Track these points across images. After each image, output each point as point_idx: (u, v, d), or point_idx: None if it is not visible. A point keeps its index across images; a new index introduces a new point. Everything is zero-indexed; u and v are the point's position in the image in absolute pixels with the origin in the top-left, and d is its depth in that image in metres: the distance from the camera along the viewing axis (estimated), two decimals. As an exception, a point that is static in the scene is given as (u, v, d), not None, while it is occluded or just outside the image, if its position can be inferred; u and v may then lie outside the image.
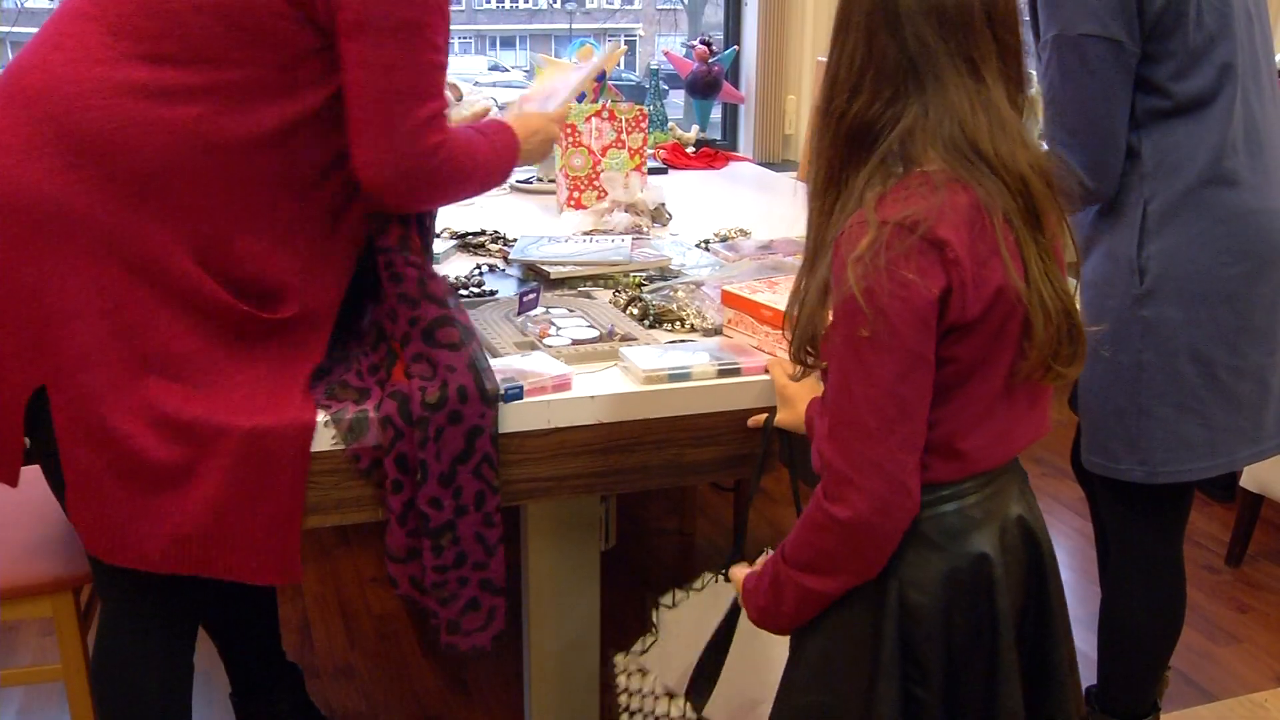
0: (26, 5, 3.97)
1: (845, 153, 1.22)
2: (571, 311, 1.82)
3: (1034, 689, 1.30)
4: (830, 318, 1.19)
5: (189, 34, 1.41)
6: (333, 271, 1.59)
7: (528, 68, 4.27)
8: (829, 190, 1.24)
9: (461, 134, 1.57)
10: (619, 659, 1.63)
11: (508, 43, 14.18)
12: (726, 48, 3.77)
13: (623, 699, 1.60)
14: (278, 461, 1.43)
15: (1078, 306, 1.23)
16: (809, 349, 1.25)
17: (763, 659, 1.52)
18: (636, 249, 2.11)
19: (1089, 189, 1.73)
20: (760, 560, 1.36)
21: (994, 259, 1.15)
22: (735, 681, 1.52)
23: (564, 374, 1.54)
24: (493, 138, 1.64)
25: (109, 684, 1.62)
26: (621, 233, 2.30)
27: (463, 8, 12.16)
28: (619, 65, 3.19)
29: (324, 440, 1.45)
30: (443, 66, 1.50)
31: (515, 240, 2.26)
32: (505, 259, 2.18)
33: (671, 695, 1.49)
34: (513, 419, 1.50)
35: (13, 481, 1.49)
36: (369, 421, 1.46)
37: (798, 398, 1.46)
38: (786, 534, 1.27)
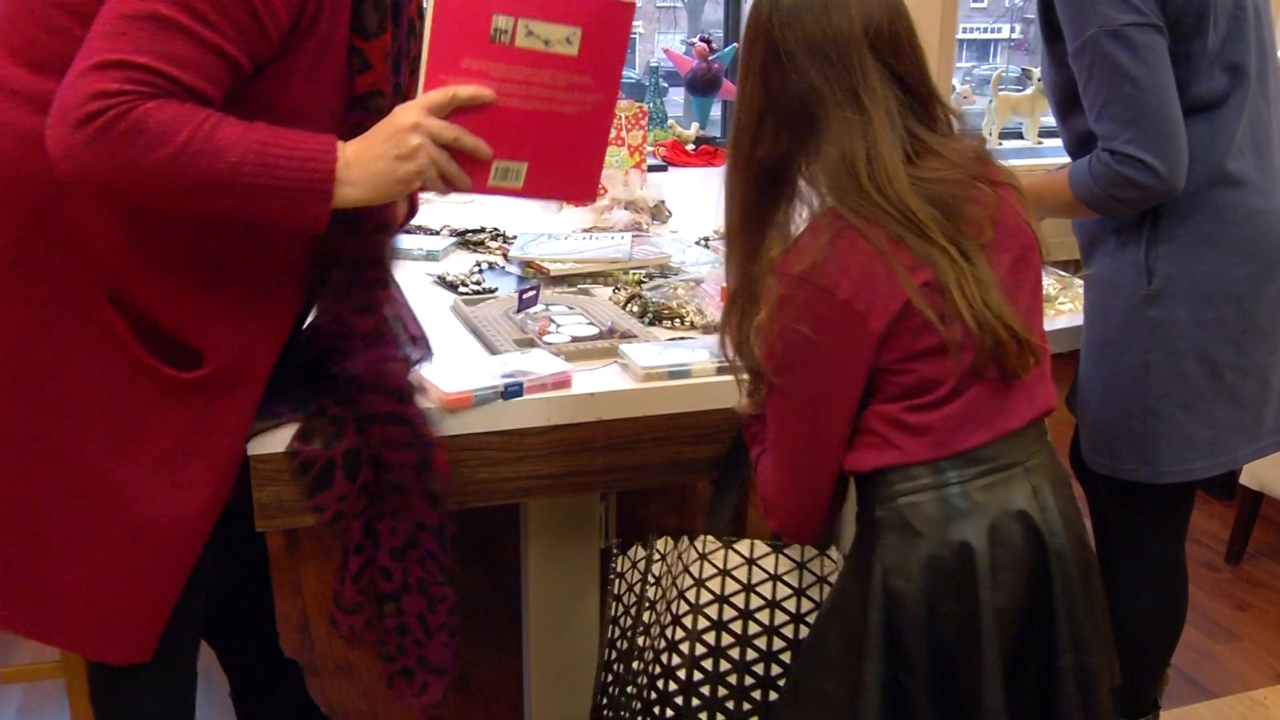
0: None
1: (757, 195, 1.29)
2: (571, 309, 1.82)
3: (1040, 694, 1.29)
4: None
5: (67, 40, 1.20)
6: (268, 322, 1.40)
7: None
8: (745, 232, 1.31)
9: (178, 106, 1.18)
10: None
11: (507, 40, 14.15)
12: (726, 45, 3.77)
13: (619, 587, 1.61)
14: (152, 561, 1.35)
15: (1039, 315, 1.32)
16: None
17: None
18: (636, 246, 2.11)
19: (1163, 181, 1.64)
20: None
21: (888, 281, 1.20)
22: None
23: (563, 371, 1.54)
24: (266, 136, 1.21)
25: (107, 697, 1.58)
26: (621, 230, 2.30)
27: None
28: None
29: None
30: (145, 15, 1.16)
31: (515, 238, 2.25)
32: (505, 256, 2.18)
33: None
34: (513, 416, 1.50)
35: None
36: (335, 476, 1.43)
37: None
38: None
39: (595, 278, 2.01)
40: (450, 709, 2.33)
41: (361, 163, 1.24)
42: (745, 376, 1.36)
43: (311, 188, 1.22)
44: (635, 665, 1.51)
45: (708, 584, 1.44)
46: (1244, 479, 2.82)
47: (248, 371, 1.38)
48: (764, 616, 1.43)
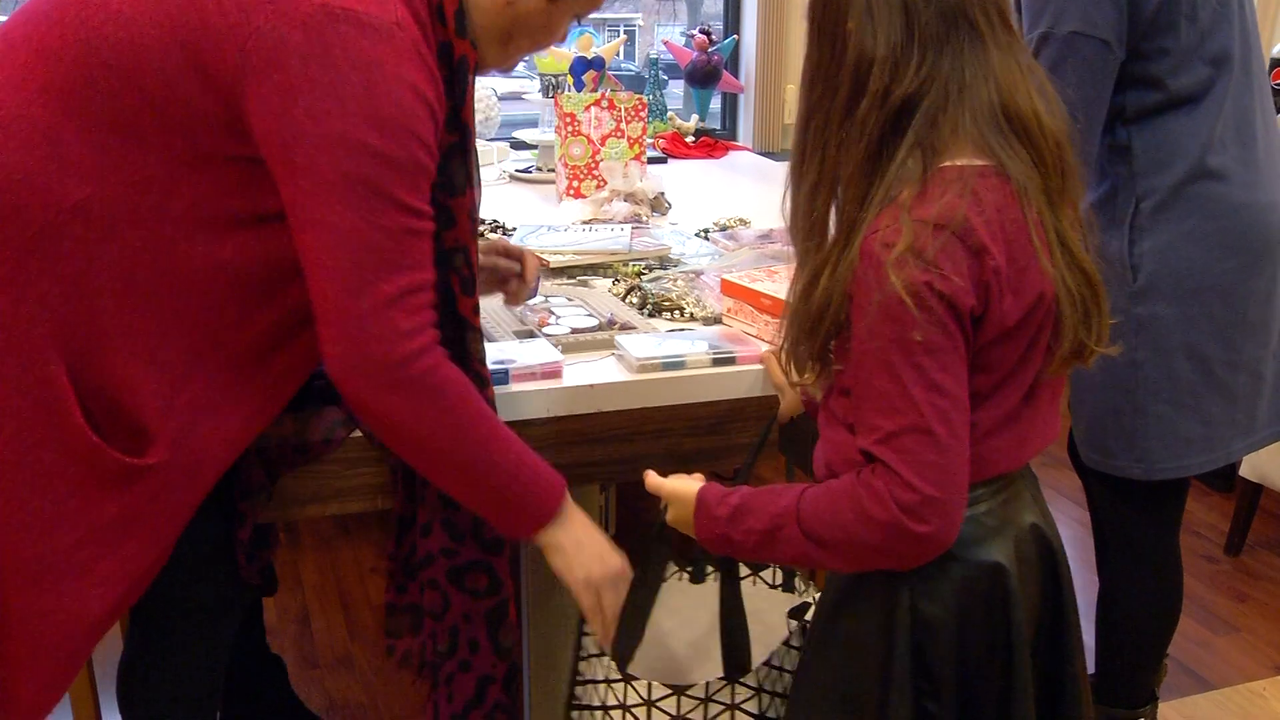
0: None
1: (883, 136, 1.12)
2: (571, 300, 1.82)
3: (1048, 702, 1.26)
4: (854, 317, 1.11)
5: (97, 94, 1.18)
6: (238, 417, 1.31)
7: (527, 59, 4.25)
8: (862, 178, 1.13)
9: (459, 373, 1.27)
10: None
11: (507, 33, 14.14)
12: (726, 37, 3.76)
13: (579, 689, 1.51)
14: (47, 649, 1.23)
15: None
16: (823, 350, 1.17)
17: (691, 619, 1.49)
18: (636, 238, 2.11)
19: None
20: (726, 489, 1.24)
21: (1031, 264, 1.10)
22: (664, 642, 1.49)
23: (554, 361, 1.54)
24: (504, 435, 1.30)
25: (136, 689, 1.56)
26: (621, 222, 2.30)
27: None
28: (618, 55, 3.18)
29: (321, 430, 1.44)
30: (424, 231, 1.23)
31: (515, 229, 2.25)
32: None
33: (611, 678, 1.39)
34: (511, 408, 1.50)
35: None
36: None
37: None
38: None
39: (595, 269, 2.01)
40: (450, 700, 2.34)
41: (576, 540, 1.38)
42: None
43: (529, 520, 1.35)
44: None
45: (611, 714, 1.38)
46: (1243, 471, 2.83)
47: (195, 472, 1.29)
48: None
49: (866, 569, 1.17)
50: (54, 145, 1.17)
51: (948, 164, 1.10)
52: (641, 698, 1.34)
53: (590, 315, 1.74)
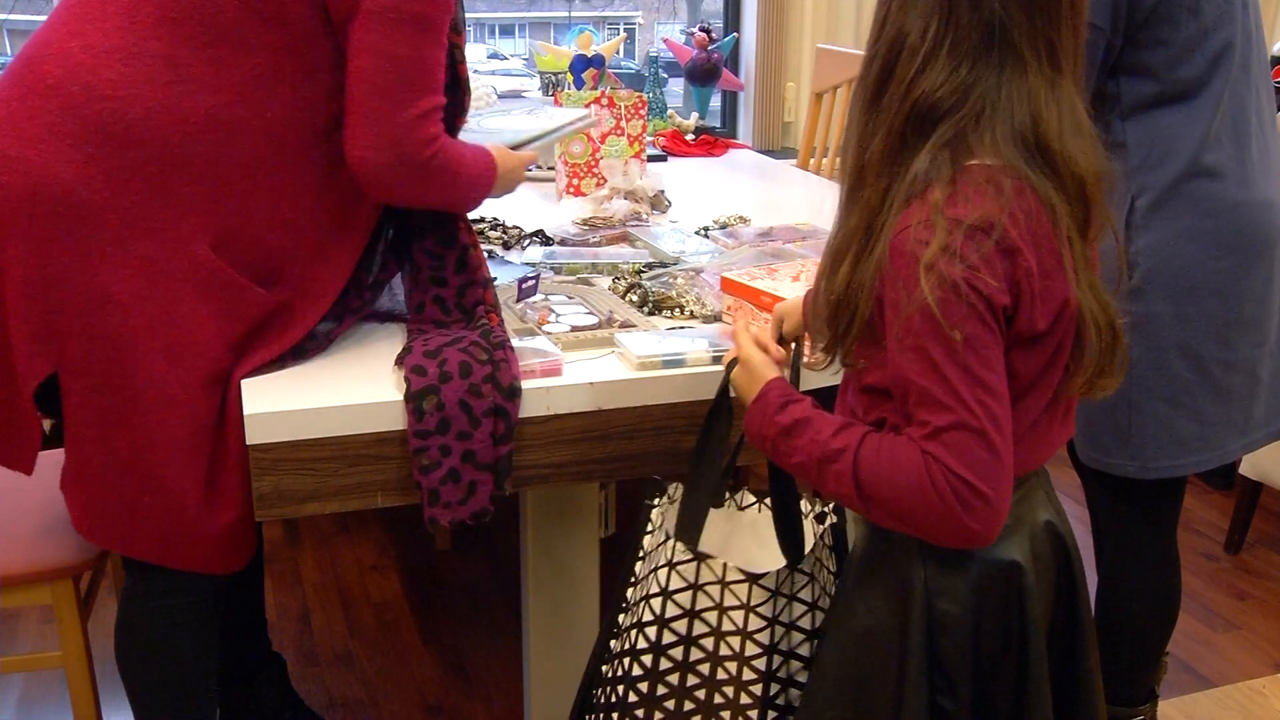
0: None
1: (905, 130, 1.12)
2: (571, 298, 1.82)
3: (1063, 698, 1.26)
4: (888, 317, 1.10)
5: (205, 16, 1.41)
6: (339, 257, 1.62)
7: (527, 55, 4.26)
8: (884, 172, 1.13)
9: (453, 140, 1.58)
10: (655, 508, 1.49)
11: (506, 31, 14.14)
12: (726, 35, 3.76)
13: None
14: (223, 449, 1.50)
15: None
16: (841, 340, 1.18)
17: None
18: (632, 226, 2.11)
19: None
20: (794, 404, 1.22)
21: (1058, 271, 1.10)
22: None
23: (554, 359, 1.54)
24: (477, 155, 1.64)
25: (138, 650, 1.64)
26: (620, 219, 2.30)
27: (462, -5, 12.08)
28: (618, 53, 3.18)
29: (323, 428, 1.45)
30: (443, 63, 1.52)
31: (516, 228, 2.25)
32: (505, 246, 2.18)
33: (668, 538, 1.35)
34: (512, 406, 1.50)
35: (28, 469, 1.52)
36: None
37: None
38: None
39: (596, 268, 2.01)
40: (450, 698, 2.34)
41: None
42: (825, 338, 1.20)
43: (488, 193, 1.67)
44: (604, 668, 1.44)
45: (675, 597, 1.32)
46: (1243, 469, 2.83)
47: (316, 299, 1.59)
48: (735, 642, 1.31)
49: (895, 530, 1.15)
50: (175, 69, 1.41)
51: (976, 163, 1.10)
52: (714, 580, 1.31)
53: (590, 313, 1.74)
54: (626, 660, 1.36)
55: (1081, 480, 2.01)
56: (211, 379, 1.49)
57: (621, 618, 1.43)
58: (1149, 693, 2.01)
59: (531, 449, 1.53)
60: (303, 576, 2.79)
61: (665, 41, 3.83)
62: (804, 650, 1.34)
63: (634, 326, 1.70)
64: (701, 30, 3.54)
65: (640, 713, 1.33)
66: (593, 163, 2.57)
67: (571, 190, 2.57)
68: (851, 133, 1.18)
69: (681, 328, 1.72)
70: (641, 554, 1.44)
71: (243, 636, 2.04)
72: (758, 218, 2.36)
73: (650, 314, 1.78)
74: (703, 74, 3.54)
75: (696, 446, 1.36)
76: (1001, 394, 1.08)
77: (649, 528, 1.46)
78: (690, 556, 1.31)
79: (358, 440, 1.46)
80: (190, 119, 1.42)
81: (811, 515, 1.46)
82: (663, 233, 2.21)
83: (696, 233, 2.25)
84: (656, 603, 1.33)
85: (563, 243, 2.17)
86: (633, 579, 1.44)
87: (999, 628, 1.19)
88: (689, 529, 1.34)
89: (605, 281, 1.94)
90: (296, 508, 1.48)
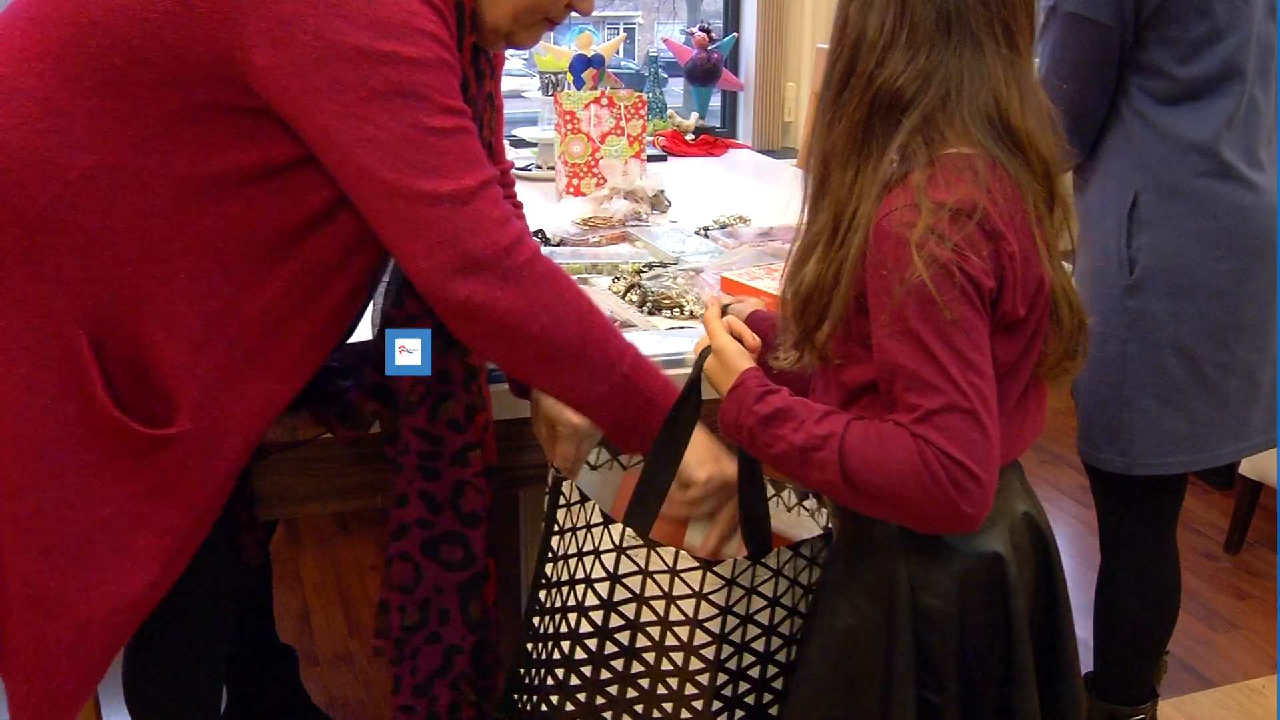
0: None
1: (871, 121, 1.12)
2: (570, 298, 1.82)
3: (1045, 688, 1.26)
4: (872, 304, 1.10)
5: (87, 55, 1.16)
6: (261, 385, 1.28)
7: (526, 55, 4.26)
8: (849, 163, 1.14)
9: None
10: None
11: (506, 30, 14.13)
12: (726, 35, 3.76)
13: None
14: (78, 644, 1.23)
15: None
16: (828, 334, 1.16)
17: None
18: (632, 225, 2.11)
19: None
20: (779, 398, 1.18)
21: (1034, 254, 1.11)
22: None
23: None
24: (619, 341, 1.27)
25: (140, 640, 1.49)
26: (620, 219, 2.30)
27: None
28: (618, 52, 3.18)
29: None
30: (466, 129, 1.19)
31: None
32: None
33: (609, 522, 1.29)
34: (510, 405, 1.50)
35: None
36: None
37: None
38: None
39: (596, 268, 2.01)
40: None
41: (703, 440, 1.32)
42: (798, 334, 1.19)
43: (655, 410, 1.29)
44: (528, 646, 1.38)
45: (624, 581, 1.26)
46: (1243, 469, 2.82)
47: (220, 441, 1.26)
48: (683, 633, 1.25)
49: (883, 519, 1.15)
50: (53, 117, 1.16)
51: (952, 151, 1.11)
52: (667, 565, 1.25)
53: (590, 313, 1.74)
54: (565, 643, 1.31)
55: (1089, 480, 2.01)
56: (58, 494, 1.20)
57: (542, 595, 1.37)
58: (1149, 691, 2.01)
59: (530, 449, 1.53)
60: (303, 576, 2.79)
61: (665, 41, 3.84)
62: (758, 645, 1.30)
63: (634, 326, 1.70)
64: (701, 30, 3.54)
65: (582, 696, 1.29)
66: (592, 162, 2.57)
67: (571, 190, 2.57)
68: (816, 136, 1.19)
69: (681, 328, 1.72)
70: (557, 528, 1.38)
71: (250, 631, 2.04)
72: (758, 218, 2.36)
73: (650, 314, 1.78)
74: (702, 74, 3.54)
75: (660, 434, 1.31)
76: (989, 376, 1.08)
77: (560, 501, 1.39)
78: (640, 542, 1.26)
79: (358, 440, 1.46)
80: (64, 177, 1.16)
81: (799, 508, 1.44)
82: (662, 233, 2.21)
83: (696, 233, 2.25)
84: (602, 587, 1.28)
85: (563, 243, 2.17)
86: (550, 554, 1.37)
87: (984, 621, 1.19)
88: (641, 516, 1.30)
89: (605, 281, 1.94)
90: (296, 508, 1.48)
